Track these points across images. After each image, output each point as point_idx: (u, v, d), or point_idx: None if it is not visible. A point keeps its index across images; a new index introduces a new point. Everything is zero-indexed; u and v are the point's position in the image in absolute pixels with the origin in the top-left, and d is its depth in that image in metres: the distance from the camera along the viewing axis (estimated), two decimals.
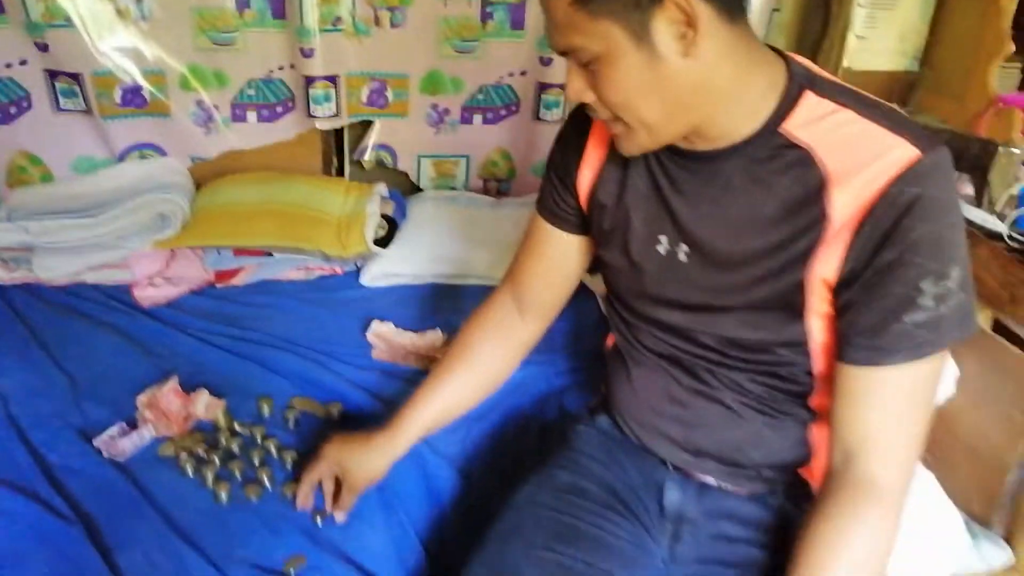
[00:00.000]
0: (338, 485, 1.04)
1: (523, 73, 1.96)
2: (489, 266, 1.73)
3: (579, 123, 0.95)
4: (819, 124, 0.76)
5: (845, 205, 0.74)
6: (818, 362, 0.84)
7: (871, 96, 0.79)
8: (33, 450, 1.15)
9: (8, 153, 1.82)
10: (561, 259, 1.03)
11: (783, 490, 0.94)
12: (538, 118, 2.01)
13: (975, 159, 1.54)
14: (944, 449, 1.19)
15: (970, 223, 1.33)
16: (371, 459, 1.03)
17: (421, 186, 2.08)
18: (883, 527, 0.78)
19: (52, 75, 1.75)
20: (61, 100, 1.79)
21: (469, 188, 2.11)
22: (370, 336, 1.47)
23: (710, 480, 0.95)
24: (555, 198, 0.99)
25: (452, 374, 1.05)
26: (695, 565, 0.92)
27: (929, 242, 0.72)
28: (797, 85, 0.77)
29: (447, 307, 1.64)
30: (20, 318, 1.49)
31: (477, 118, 2.01)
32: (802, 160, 0.76)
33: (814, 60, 1.90)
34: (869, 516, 0.77)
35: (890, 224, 0.72)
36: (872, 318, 0.75)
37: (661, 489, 0.96)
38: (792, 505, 0.93)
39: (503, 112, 2.01)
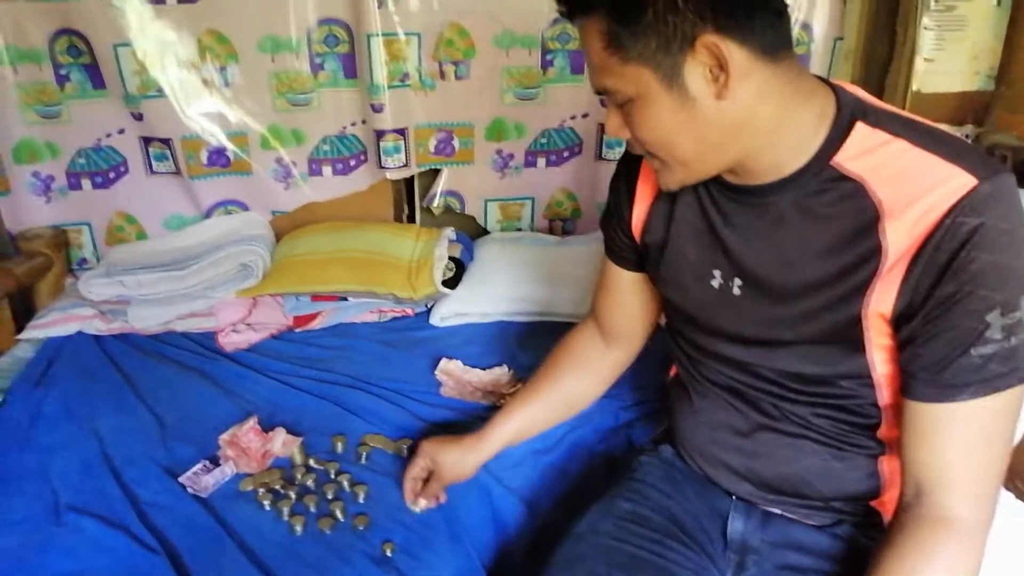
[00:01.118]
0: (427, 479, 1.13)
1: (584, 115, 2.00)
2: (555, 302, 1.75)
3: (629, 164, 0.97)
4: (871, 155, 0.75)
5: (900, 237, 0.73)
6: (884, 394, 0.82)
7: (927, 123, 0.77)
8: (125, 487, 1.22)
9: (107, 214, 1.97)
10: (632, 294, 1.07)
11: (853, 521, 0.91)
12: (601, 157, 2.05)
13: None
14: None
15: None
16: (462, 458, 1.11)
17: (488, 229, 2.13)
18: (960, 565, 0.75)
19: (146, 141, 1.90)
20: (154, 164, 1.93)
21: (535, 229, 2.15)
22: (438, 374, 1.50)
23: (775, 510, 0.93)
24: (614, 239, 1.03)
25: (538, 394, 1.14)
26: None
27: (992, 273, 0.70)
28: (847, 116, 0.76)
29: (514, 343, 1.67)
30: (115, 365, 1.58)
31: (541, 161, 2.06)
32: (855, 192, 0.75)
33: (882, 86, 1.90)
34: (944, 552, 0.74)
35: (948, 256, 0.70)
36: (937, 353, 0.73)
37: (725, 518, 0.95)
38: (863, 536, 0.89)
39: (566, 154, 2.06)
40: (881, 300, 0.75)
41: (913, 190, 0.72)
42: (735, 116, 0.73)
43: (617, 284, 1.07)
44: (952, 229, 0.70)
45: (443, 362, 1.52)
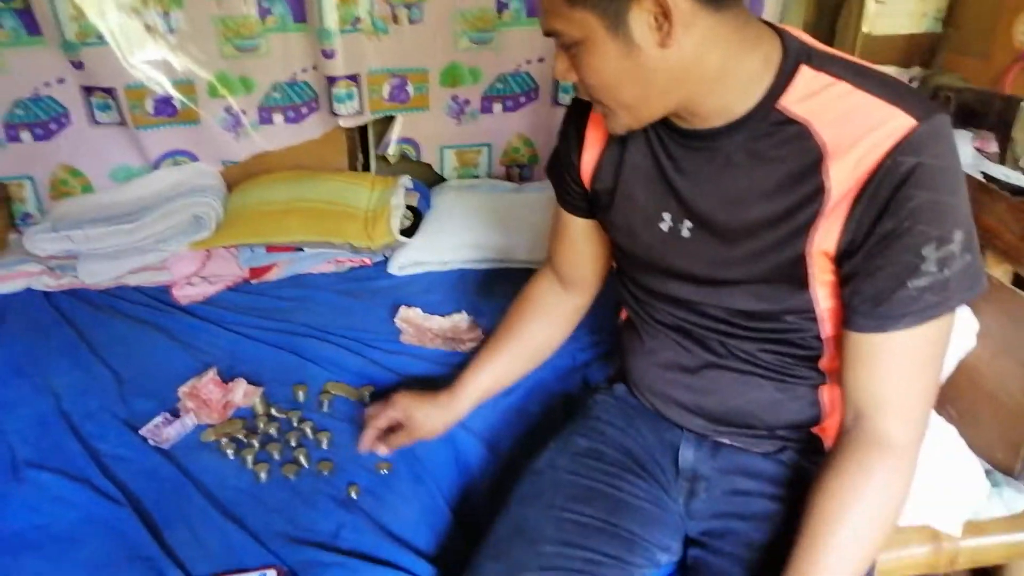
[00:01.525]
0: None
1: (540, 60, 1.98)
2: (513, 249, 1.76)
3: (578, 111, 0.97)
4: (815, 98, 0.76)
5: (843, 177, 0.75)
6: (826, 326, 0.85)
7: (868, 66, 0.79)
8: (84, 441, 1.22)
9: (50, 167, 1.90)
10: (586, 241, 1.07)
11: (796, 448, 0.95)
12: (557, 103, 2.04)
13: (999, 116, 1.53)
14: (966, 401, 1.19)
15: (993, 179, 1.32)
16: (436, 415, 1.12)
17: (445, 176, 2.12)
18: (895, 480, 0.79)
19: (88, 91, 1.83)
20: (97, 114, 1.87)
21: (492, 176, 2.14)
22: (398, 321, 1.51)
23: (724, 440, 0.97)
24: (564, 187, 1.03)
25: (504, 348, 1.13)
26: (711, 520, 0.94)
27: (929, 209, 0.72)
28: (792, 60, 0.77)
29: (474, 291, 1.68)
30: (67, 321, 1.56)
31: (497, 107, 2.04)
32: (800, 134, 0.76)
33: (833, 29, 1.91)
34: (880, 470, 0.78)
35: (888, 194, 0.73)
36: (876, 286, 0.76)
37: (676, 449, 0.98)
38: (806, 461, 0.94)
39: (522, 99, 2.04)
40: (824, 238, 0.77)
41: (855, 131, 0.74)
42: (679, 64, 0.74)
43: (571, 231, 1.08)
44: (892, 168, 0.72)
45: (402, 310, 1.53)
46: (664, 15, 0.71)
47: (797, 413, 0.92)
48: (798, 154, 0.77)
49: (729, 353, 0.91)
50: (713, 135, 0.81)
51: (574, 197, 1.02)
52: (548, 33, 0.78)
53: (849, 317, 0.80)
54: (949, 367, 1.18)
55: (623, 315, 1.10)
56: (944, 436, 1.14)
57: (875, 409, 0.80)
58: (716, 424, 0.95)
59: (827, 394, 0.91)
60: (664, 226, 0.89)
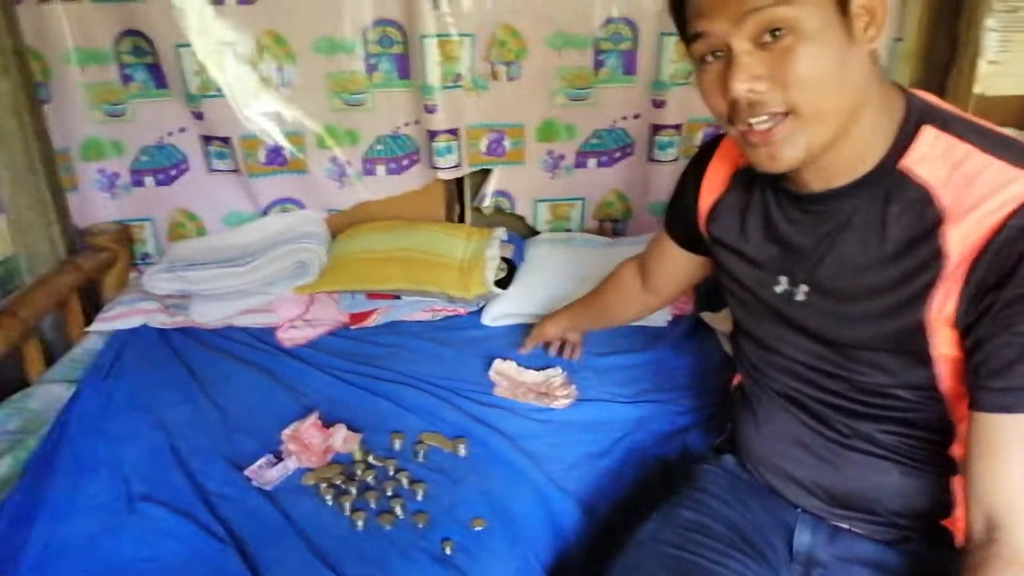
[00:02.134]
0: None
1: (636, 116, 2.00)
2: None
3: (701, 156, 1.01)
4: (938, 161, 0.74)
5: (962, 241, 0.72)
6: (954, 409, 0.81)
7: (994, 128, 0.76)
8: (192, 477, 1.26)
9: (169, 210, 2.03)
10: (675, 263, 1.22)
11: (922, 540, 0.89)
12: (652, 159, 2.04)
13: None
14: None
15: None
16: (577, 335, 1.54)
17: (538, 229, 2.14)
18: None
19: (206, 140, 1.95)
20: (214, 162, 1.98)
21: (584, 229, 2.15)
22: (492, 375, 1.52)
23: (843, 524, 0.92)
24: (673, 217, 1.13)
25: (591, 308, 1.50)
26: None
27: None
28: (915, 120, 0.76)
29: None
30: (179, 358, 1.63)
31: (592, 162, 2.06)
32: (921, 199, 0.75)
33: (943, 88, 1.86)
34: None
35: (1014, 259, 0.69)
36: (1004, 358, 0.71)
37: (791, 530, 0.94)
38: (931, 553, 0.88)
39: (617, 155, 2.06)
40: (944, 304, 0.74)
41: (976, 194, 0.72)
42: (868, 76, 0.74)
43: (662, 249, 1.22)
44: (1016, 230, 0.69)
45: (496, 363, 1.54)
46: (870, 13, 0.72)
47: (924, 501, 0.87)
48: (918, 218, 0.75)
49: (850, 432, 0.88)
50: (834, 196, 0.80)
51: (678, 226, 1.13)
52: (747, 15, 0.71)
53: (974, 395, 0.75)
54: None
55: (736, 380, 1.08)
56: None
57: (1009, 515, 0.71)
58: (834, 506, 0.91)
59: (959, 484, 0.85)
60: (779, 289, 0.88)
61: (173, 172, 1.98)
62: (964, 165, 0.73)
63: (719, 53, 0.75)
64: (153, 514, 1.17)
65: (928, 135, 0.76)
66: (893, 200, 0.76)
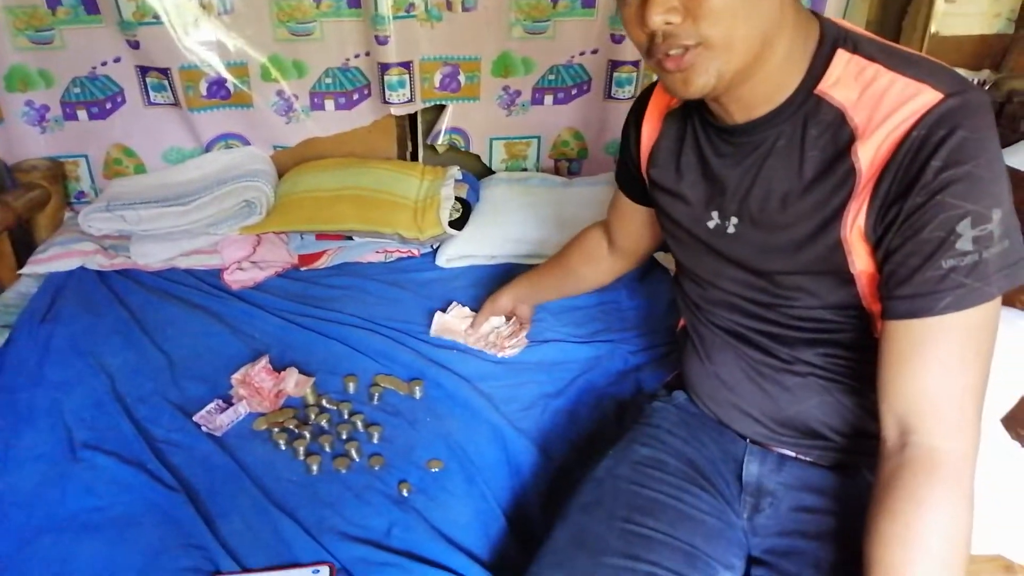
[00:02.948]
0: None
1: (594, 52, 1.95)
2: (560, 245, 1.73)
3: (640, 102, 1.03)
4: (851, 82, 0.77)
5: (870, 156, 0.74)
6: (877, 326, 0.83)
7: (902, 48, 0.79)
8: (138, 424, 1.23)
9: (105, 146, 1.92)
10: (638, 221, 1.19)
11: (866, 463, 0.91)
12: (610, 96, 2.00)
13: None
14: None
15: None
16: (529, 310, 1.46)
17: (493, 168, 2.10)
18: (956, 509, 0.72)
19: (143, 71, 1.84)
20: (152, 94, 1.87)
21: (540, 169, 2.11)
22: (433, 332, 1.48)
23: (789, 452, 0.95)
24: (624, 173, 1.12)
25: (554, 276, 1.40)
26: (775, 537, 0.91)
27: (962, 182, 0.70)
28: (829, 44, 0.79)
29: None
30: (120, 301, 1.57)
31: (548, 99, 2.01)
32: (836, 120, 0.77)
33: (899, 27, 1.85)
34: (938, 501, 0.71)
35: (917, 168, 0.71)
36: (909, 265, 0.73)
37: (740, 462, 0.96)
38: (873, 475, 0.89)
39: (574, 92, 2.01)
40: (857, 218, 0.77)
41: (884, 109, 0.74)
42: (780, 9, 0.75)
43: (624, 208, 1.19)
44: (918, 140, 0.71)
45: (437, 316, 1.50)
46: None
47: (865, 419, 0.89)
48: (833, 139, 0.78)
49: (790, 358, 0.90)
50: (757, 126, 0.83)
51: (629, 181, 1.12)
52: None
53: (884, 305, 0.77)
54: (1022, 388, 1.14)
55: (681, 323, 1.09)
56: (1018, 461, 1.10)
57: (920, 418, 0.74)
58: (781, 433, 0.93)
59: None
60: (711, 224, 0.91)
61: (108, 105, 1.87)
62: (873, 84, 0.76)
63: None
64: (98, 463, 1.14)
65: (841, 58, 0.78)
66: (811, 124, 0.79)
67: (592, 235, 1.33)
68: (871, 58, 0.77)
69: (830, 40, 0.79)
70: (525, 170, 2.10)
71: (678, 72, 0.78)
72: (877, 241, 0.77)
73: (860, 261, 0.79)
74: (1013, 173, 1.22)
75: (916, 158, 0.72)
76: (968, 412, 0.74)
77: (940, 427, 0.73)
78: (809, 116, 0.79)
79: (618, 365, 1.39)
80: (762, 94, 0.81)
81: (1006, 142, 1.59)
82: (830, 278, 0.83)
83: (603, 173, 2.00)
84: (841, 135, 0.77)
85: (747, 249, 0.88)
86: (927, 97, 0.72)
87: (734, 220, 0.88)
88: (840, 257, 0.80)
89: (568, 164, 2.13)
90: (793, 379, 0.91)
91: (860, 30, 0.82)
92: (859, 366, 0.87)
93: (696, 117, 0.92)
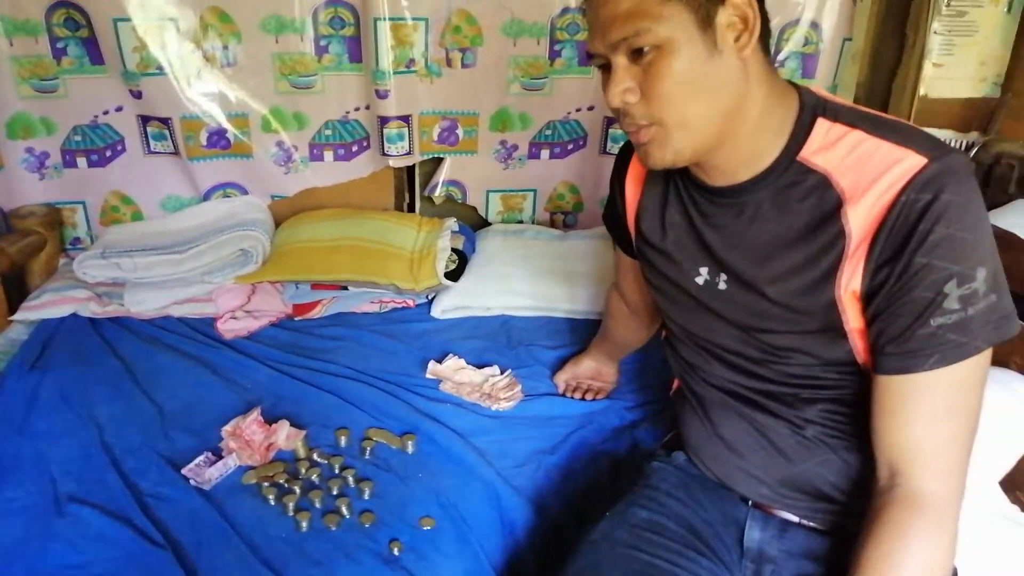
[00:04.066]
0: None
1: (590, 108, 1.98)
2: (556, 298, 1.74)
3: (621, 159, 1.05)
4: (833, 148, 0.79)
5: (861, 219, 0.77)
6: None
7: (880, 114, 0.82)
8: (126, 477, 1.20)
9: (103, 193, 1.93)
10: (638, 275, 1.16)
11: None
12: (605, 152, 2.04)
13: None
14: None
15: None
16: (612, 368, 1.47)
17: (489, 220, 2.12)
18: (936, 543, 0.76)
19: (144, 120, 1.86)
20: (152, 143, 1.89)
21: (536, 221, 2.13)
22: (430, 374, 1.48)
23: (792, 517, 0.93)
24: (614, 228, 1.14)
25: (605, 341, 1.43)
26: None
27: (948, 245, 0.73)
28: (809, 113, 0.81)
29: (516, 339, 1.66)
30: (111, 349, 1.56)
31: (544, 153, 2.04)
32: (820, 184, 0.79)
33: (888, 89, 1.90)
34: (917, 532, 0.76)
35: (906, 231, 0.74)
36: (899, 325, 0.76)
37: (741, 527, 0.95)
38: None
39: (570, 147, 2.04)
40: (851, 280, 0.79)
41: (870, 175, 0.76)
42: (744, 83, 0.78)
43: (627, 268, 1.20)
44: (907, 205, 0.74)
45: (432, 364, 1.50)
46: (744, 25, 0.76)
47: (869, 479, 0.87)
48: (819, 202, 0.79)
49: (793, 417, 0.90)
50: (740, 190, 0.85)
51: (623, 238, 1.12)
52: (619, 41, 0.76)
53: (875, 361, 0.79)
54: (1021, 448, 1.13)
55: (675, 384, 1.08)
56: (1017, 526, 1.09)
57: (908, 464, 0.77)
58: (784, 493, 0.92)
59: None
60: (700, 280, 0.92)
61: (108, 153, 1.89)
62: (857, 149, 0.78)
63: (607, 64, 0.81)
64: (84, 517, 1.11)
65: (822, 126, 0.80)
66: (795, 188, 0.81)
67: (612, 298, 1.34)
68: (852, 125, 0.80)
69: (809, 109, 0.82)
70: (521, 222, 2.12)
71: (640, 145, 0.82)
72: (868, 300, 0.79)
73: (854, 319, 0.81)
74: (1005, 234, 1.23)
75: (906, 221, 0.74)
76: (954, 459, 0.77)
77: (927, 472, 0.77)
78: (792, 181, 0.81)
79: (613, 421, 1.37)
80: (740, 161, 0.83)
81: (995, 203, 1.61)
82: (824, 336, 0.84)
83: (598, 227, 2.02)
84: (827, 198, 0.79)
85: (739, 309, 0.89)
86: (912, 161, 0.74)
87: (723, 276, 0.89)
88: (835, 316, 0.81)
89: (564, 217, 2.15)
90: (796, 438, 0.90)
91: (838, 98, 0.85)
92: (861, 423, 0.86)
93: (678, 175, 0.94)
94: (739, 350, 0.92)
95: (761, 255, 0.85)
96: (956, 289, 0.73)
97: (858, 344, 0.82)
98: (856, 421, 0.87)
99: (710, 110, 0.77)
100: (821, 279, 0.80)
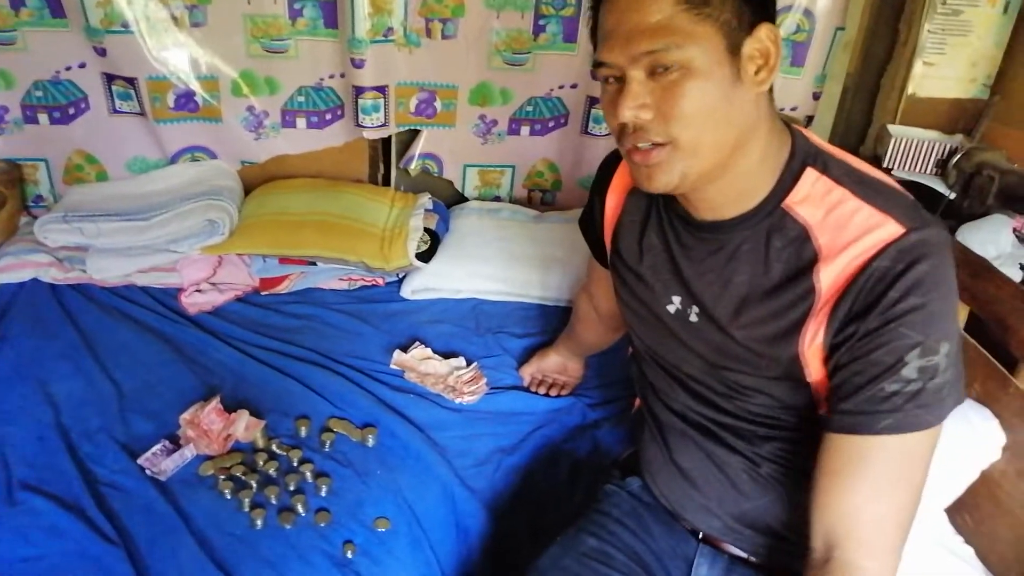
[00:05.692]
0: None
1: (573, 86, 1.93)
2: (528, 284, 1.73)
3: (603, 172, 1.03)
4: (817, 202, 0.78)
5: (831, 279, 0.76)
6: None
7: (871, 173, 0.81)
8: (81, 463, 1.19)
9: (65, 151, 1.87)
10: (611, 284, 1.11)
11: None
12: (586, 132, 1.99)
13: None
14: (984, 514, 1.16)
15: None
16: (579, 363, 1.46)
17: (466, 195, 2.08)
18: None
19: (109, 78, 1.79)
20: (117, 102, 1.82)
21: (514, 198, 2.10)
22: (394, 365, 1.47)
23: (740, 553, 0.94)
24: (590, 239, 1.13)
25: (571, 340, 1.42)
26: None
27: (917, 315, 0.72)
28: (800, 160, 0.80)
29: (485, 325, 1.65)
30: (72, 320, 1.53)
31: (525, 129, 2.00)
32: (800, 237, 0.79)
33: (877, 84, 1.86)
34: None
35: (876, 296, 0.73)
36: (854, 383, 0.75)
37: (689, 563, 0.96)
38: None
39: (551, 124, 2.00)
40: (815, 337, 0.78)
41: (847, 236, 0.75)
42: (756, 116, 0.77)
43: (600, 276, 1.18)
44: (879, 271, 0.73)
45: (396, 353, 1.49)
46: (764, 60, 0.74)
47: None
48: (796, 255, 0.79)
49: (750, 453, 0.90)
50: (722, 227, 0.83)
51: (599, 249, 1.10)
52: (644, 53, 0.72)
53: (825, 416, 0.79)
54: (970, 476, 1.15)
55: (637, 404, 1.08)
56: (956, 558, 1.11)
57: (845, 536, 0.76)
58: (735, 528, 0.93)
59: None
60: (672, 308, 0.91)
61: (71, 110, 1.82)
62: (839, 207, 0.77)
63: (619, 77, 0.77)
64: (37, 507, 1.11)
65: (810, 176, 0.79)
66: (776, 236, 0.80)
67: (581, 300, 1.34)
68: (839, 181, 0.78)
69: (800, 156, 0.80)
70: (498, 199, 2.08)
71: (644, 166, 0.79)
72: (829, 356, 0.78)
73: (816, 372, 0.81)
74: (977, 259, 1.23)
75: (875, 287, 0.73)
76: (891, 536, 0.76)
77: (862, 548, 0.75)
78: (774, 228, 0.80)
79: (576, 419, 1.38)
80: (729, 198, 0.81)
81: (973, 214, 1.61)
82: (786, 383, 0.84)
83: (575, 208, 1.99)
84: (804, 252, 0.78)
85: (706, 343, 0.89)
86: (890, 229, 0.74)
87: (695, 309, 0.88)
88: (797, 368, 0.81)
89: (542, 195, 2.12)
90: (751, 473, 0.91)
91: (831, 148, 0.83)
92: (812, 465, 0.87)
93: (660, 201, 0.92)
94: (704, 380, 0.92)
95: (734, 298, 0.84)
96: (917, 359, 0.73)
97: (818, 392, 0.82)
98: (811, 463, 0.87)
99: (723, 139, 0.75)
100: (787, 332, 0.80)
